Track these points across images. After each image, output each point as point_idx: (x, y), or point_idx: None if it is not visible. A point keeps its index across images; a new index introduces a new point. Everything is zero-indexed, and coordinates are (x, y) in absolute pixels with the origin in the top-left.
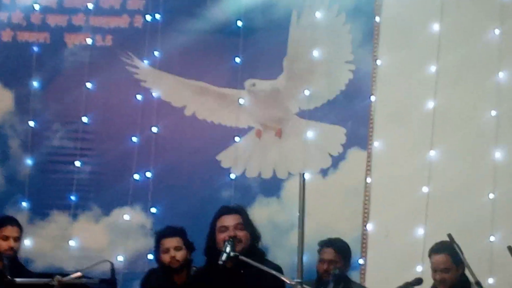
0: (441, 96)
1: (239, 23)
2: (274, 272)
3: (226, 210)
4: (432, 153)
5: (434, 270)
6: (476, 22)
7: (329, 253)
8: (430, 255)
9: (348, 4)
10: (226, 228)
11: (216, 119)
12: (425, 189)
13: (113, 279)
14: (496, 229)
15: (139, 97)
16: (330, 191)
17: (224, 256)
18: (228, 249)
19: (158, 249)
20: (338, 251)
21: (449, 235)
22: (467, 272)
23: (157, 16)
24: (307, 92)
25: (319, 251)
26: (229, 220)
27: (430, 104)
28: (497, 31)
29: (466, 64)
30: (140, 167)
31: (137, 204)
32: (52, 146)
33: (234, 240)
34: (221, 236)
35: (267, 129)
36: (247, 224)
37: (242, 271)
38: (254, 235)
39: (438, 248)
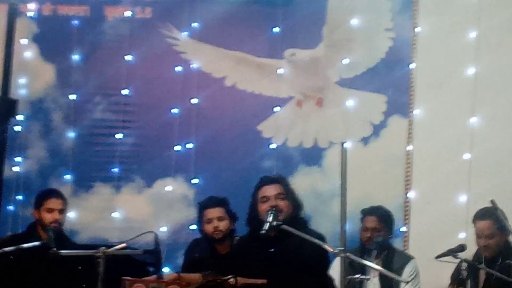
0: (482, 61)
1: None
2: (316, 241)
3: (267, 180)
4: (474, 119)
5: (478, 236)
6: None
7: (372, 221)
8: (474, 221)
9: None
10: (267, 198)
11: (256, 89)
12: (467, 156)
13: (157, 249)
14: None
15: (179, 68)
16: (372, 159)
17: (266, 226)
18: (270, 218)
19: (201, 220)
20: (381, 219)
21: (492, 201)
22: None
23: None
24: (346, 61)
25: (362, 219)
26: (270, 190)
27: (471, 70)
28: None
29: (508, 28)
30: (182, 138)
31: (179, 175)
32: (94, 118)
33: (276, 210)
34: (263, 207)
35: (307, 99)
36: (288, 193)
37: (284, 240)
38: (296, 205)
39: (482, 214)
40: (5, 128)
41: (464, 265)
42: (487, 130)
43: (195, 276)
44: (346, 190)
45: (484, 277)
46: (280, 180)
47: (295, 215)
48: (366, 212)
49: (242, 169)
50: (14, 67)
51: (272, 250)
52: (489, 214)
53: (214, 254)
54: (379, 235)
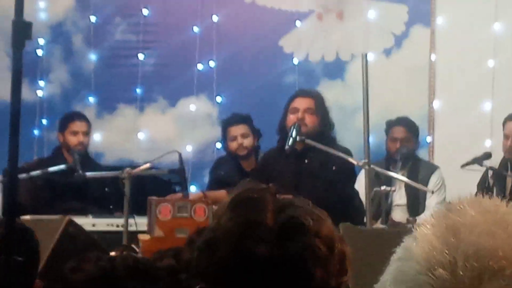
0: None
1: None
2: (341, 154)
3: (302, 92)
4: (497, 25)
5: (506, 137)
6: None
7: (400, 132)
8: (504, 123)
9: None
10: (296, 110)
11: (276, 4)
12: (490, 63)
13: (181, 168)
14: None
15: None
16: (395, 70)
17: (290, 141)
18: (293, 133)
19: (225, 137)
20: (409, 129)
21: None
22: None
23: None
24: None
25: (388, 131)
26: (301, 103)
27: None
28: None
29: None
30: (203, 56)
31: (202, 94)
32: (115, 40)
33: (300, 124)
34: (291, 117)
35: (328, 12)
36: (319, 110)
37: (310, 155)
38: (325, 122)
39: None
40: (21, 51)
41: (490, 172)
42: (510, 36)
43: (221, 193)
44: (369, 102)
45: (511, 184)
46: (314, 95)
47: (323, 132)
48: (393, 123)
49: (264, 86)
50: None
51: (297, 163)
52: None
53: (239, 171)
54: (405, 146)
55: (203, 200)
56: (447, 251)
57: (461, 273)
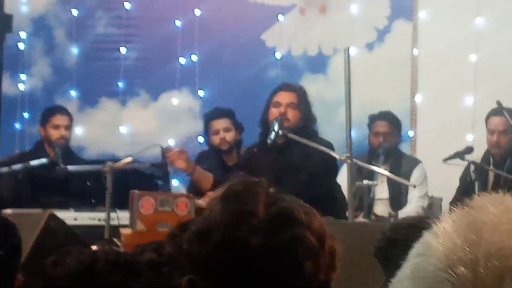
0: None
1: None
2: (323, 148)
3: (285, 86)
4: (479, 20)
5: (491, 133)
6: None
7: (383, 126)
8: (487, 118)
9: None
10: (279, 104)
11: None
12: (473, 57)
13: (164, 162)
14: None
15: None
16: (377, 64)
17: (272, 135)
18: (275, 127)
19: (207, 131)
20: (392, 123)
21: (498, 102)
22: None
23: None
24: None
25: (371, 125)
26: (284, 97)
27: None
28: None
29: None
30: (185, 50)
31: (184, 88)
32: (97, 33)
33: (282, 118)
34: (273, 111)
35: (310, 6)
36: (301, 104)
37: (292, 149)
38: (307, 117)
39: (496, 111)
40: (1, 44)
41: (472, 167)
42: (492, 30)
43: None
44: (351, 97)
45: (493, 178)
46: (297, 90)
47: (305, 127)
48: (376, 117)
49: (246, 79)
50: None
51: (280, 157)
52: (502, 111)
53: (222, 165)
54: (387, 141)
55: (185, 194)
56: (468, 249)
57: (482, 271)
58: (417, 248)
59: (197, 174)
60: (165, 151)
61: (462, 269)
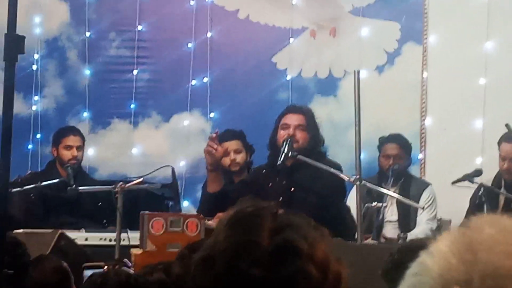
0: None
1: None
2: (332, 170)
3: (293, 109)
4: (488, 44)
5: (502, 159)
6: None
7: (394, 148)
8: (499, 143)
9: None
10: (287, 126)
11: (270, 21)
12: (482, 81)
13: (174, 183)
14: None
15: (192, 2)
16: (387, 87)
17: (282, 156)
18: (285, 149)
19: None
20: (402, 146)
21: (507, 125)
22: None
23: None
24: None
25: (381, 147)
26: (292, 119)
27: None
28: None
29: None
30: (197, 72)
31: (196, 110)
32: (109, 55)
33: (291, 140)
34: (281, 133)
35: (321, 29)
36: (309, 126)
37: (301, 171)
38: (316, 138)
39: (508, 137)
40: (13, 65)
41: (482, 189)
42: (502, 54)
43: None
44: (361, 119)
45: (503, 201)
46: (305, 112)
47: (313, 148)
48: (386, 140)
49: (257, 102)
50: (28, 5)
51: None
52: None
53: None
54: (397, 163)
55: (195, 215)
56: (463, 268)
57: None
58: (413, 268)
59: (217, 174)
60: (175, 172)
61: None
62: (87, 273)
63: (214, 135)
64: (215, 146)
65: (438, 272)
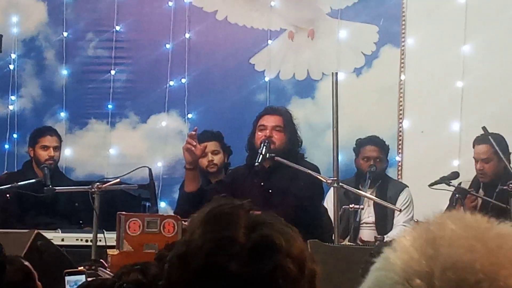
0: None
1: None
2: (310, 172)
3: (270, 110)
4: (466, 47)
5: (476, 161)
6: None
7: (373, 150)
8: (473, 146)
9: None
10: (264, 127)
11: (248, 22)
12: (459, 84)
13: (151, 184)
14: None
15: (170, 3)
16: (365, 90)
17: (259, 158)
18: (263, 150)
19: None
20: (381, 148)
21: (484, 128)
22: None
23: None
24: None
25: (359, 150)
26: (270, 120)
27: None
28: None
29: None
30: (175, 73)
31: (173, 110)
32: (87, 55)
33: (269, 141)
34: (259, 134)
35: (299, 31)
36: (287, 127)
37: (278, 172)
38: (293, 140)
39: (480, 139)
40: None
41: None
42: (479, 57)
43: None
44: (338, 121)
45: (480, 204)
46: (283, 113)
47: (291, 149)
48: (365, 142)
49: (235, 103)
50: (6, 6)
51: (265, 179)
52: (487, 138)
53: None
54: (375, 165)
55: (172, 216)
56: (424, 262)
57: (437, 284)
58: (377, 263)
59: (195, 173)
60: (152, 173)
61: (418, 281)
62: (69, 278)
63: (193, 132)
64: (194, 143)
65: (400, 267)
